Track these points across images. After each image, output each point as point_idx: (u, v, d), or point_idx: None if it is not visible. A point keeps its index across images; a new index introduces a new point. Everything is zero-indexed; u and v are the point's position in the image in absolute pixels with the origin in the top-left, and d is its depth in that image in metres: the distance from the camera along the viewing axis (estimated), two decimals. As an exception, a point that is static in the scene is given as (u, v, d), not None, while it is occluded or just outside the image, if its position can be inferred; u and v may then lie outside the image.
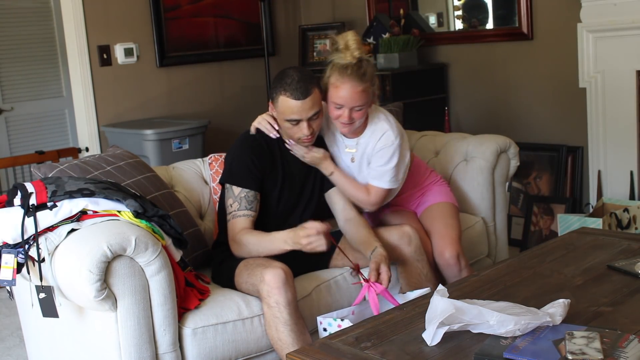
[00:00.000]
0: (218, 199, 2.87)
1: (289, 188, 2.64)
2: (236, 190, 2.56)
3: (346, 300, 2.62)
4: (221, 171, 2.92)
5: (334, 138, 2.77)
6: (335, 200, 2.74)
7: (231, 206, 2.55)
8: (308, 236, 2.35)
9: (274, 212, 2.64)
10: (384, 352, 1.72)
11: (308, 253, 2.54)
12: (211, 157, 3.04)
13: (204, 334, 2.33)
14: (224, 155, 2.98)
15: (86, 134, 4.50)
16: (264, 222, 2.59)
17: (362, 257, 2.62)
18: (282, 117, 2.52)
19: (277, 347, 2.36)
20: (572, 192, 4.13)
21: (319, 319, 2.40)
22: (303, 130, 2.53)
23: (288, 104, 2.48)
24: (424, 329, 1.77)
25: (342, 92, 2.57)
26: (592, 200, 4.01)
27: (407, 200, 3.02)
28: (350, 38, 2.59)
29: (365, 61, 2.61)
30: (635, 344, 1.60)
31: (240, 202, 2.55)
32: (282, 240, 2.44)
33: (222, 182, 2.64)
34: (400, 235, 2.70)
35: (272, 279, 2.31)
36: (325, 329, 2.37)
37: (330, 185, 2.73)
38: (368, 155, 2.74)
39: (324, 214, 2.84)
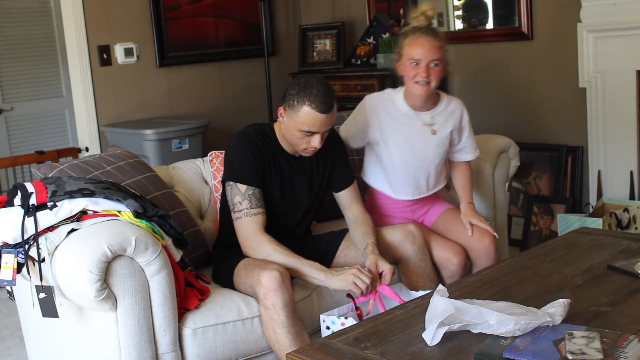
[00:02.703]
0: (220, 197, 2.86)
1: (286, 187, 2.63)
2: (242, 187, 2.52)
3: (346, 301, 2.61)
4: (222, 168, 2.92)
5: (407, 120, 2.83)
6: (342, 200, 2.75)
7: (240, 204, 2.52)
8: (359, 273, 2.37)
9: (271, 211, 2.63)
10: (384, 352, 1.72)
11: (310, 252, 2.55)
12: (211, 154, 3.03)
13: (204, 334, 2.33)
14: (224, 152, 2.98)
15: (86, 134, 4.50)
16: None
17: (362, 255, 2.62)
18: (299, 127, 2.46)
19: (275, 349, 2.36)
20: (572, 192, 4.13)
21: (321, 317, 2.40)
22: (314, 142, 2.49)
23: (311, 116, 2.43)
24: (424, 329, 1.77)
25: (418, 47, 2.69)
26: (592, 200, 4.02)
27: (415, 212, 3.01)
28: (425, 6, 2.79)
29: (436, 26, 2.81)
30: (635, 344, 1.60)
31: (250, 200, 2.51)
32: (314, 274, 2.44)
33: (225, 181, 2.59)
34: (404, 233, 2.71)
35: (268, 281, 2.31)
36: (328, 327, 2.37)
37: (342, 187, 2.73)
38: (456, 127, 2.89)
39: (330, 213, 2.86)
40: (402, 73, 2.78)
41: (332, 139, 2.70)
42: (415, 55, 2.69)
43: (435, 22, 2.84)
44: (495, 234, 2.81)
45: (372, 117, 2.86)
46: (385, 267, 2.47)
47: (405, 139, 2.83)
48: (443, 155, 2.90)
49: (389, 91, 2.93)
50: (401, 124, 2.84)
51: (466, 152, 2.98)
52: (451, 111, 2.89)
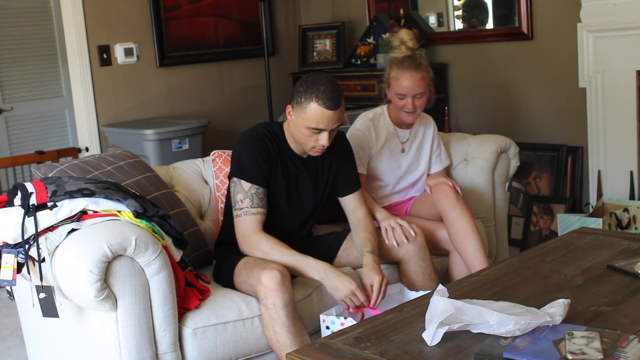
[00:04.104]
0: (225, 196, 2.88)
1: (292, 188, 2.63)
2: (246, 185, 2.52)
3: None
4: (224, 168, 2.93)
5: (392, 137, 3.04)
6: (346, 204, 2.75)
7: (242, 202, 2.52)
8: (352, 295, 2.39)
9: (276, 212, 2.63)
10: (383, 352, 1.72)
11: (312, 252, 2.55)
12: (214, 153, 3.04)
13: (204, 334, 2.33)
14: (227, 152, 2.98)
15: (86, 134, 4.50)
16: (265, 222, 2.58)
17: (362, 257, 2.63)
18: (306, 124, 2.45)
19: (276, 349, 2.36)
20: (572, 192, 4.13)
21: (321, 316, 2.40)
22: (322, 140, 2.48)
23: (319, 113, 2.43)
24: (424, 329, 1.76)
25: (403, 82, 2.88)
26: (592, 200, 4.02)
27: (399, 210, 3.11)
28: (404, 34, 2.95)
29: (418, 53, 2.94)
30: (635, 344, 1.60)
31: (252, 198, 2.51)
32: (313, 268, 2.45)
33: (230, 177, 2.59)
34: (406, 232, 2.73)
35: (268, 281, 2.31)
36: (328, 327, 2.37)
37: (348, 192, 2.74)
38: (427, 141, 3.11)
39: (333, 215, 2.88)
40: (391, 99, 2.99)
41: (339, 143, 2.69)
42: (401, 90, 2.90)
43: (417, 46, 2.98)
44: (452, 185, 2.91)
45: (370, 138, 3.00)
46: (375, 280, 2.46)
47: (394, 157, 3.06)
48: (422, 169, 3.14)
49: (376, 109, 3.10)
50: (392, 147, 3.05)
51: (435, 163, 3.17)
52: (427, 129, 3.14)
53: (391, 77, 2.93)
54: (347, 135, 2.93)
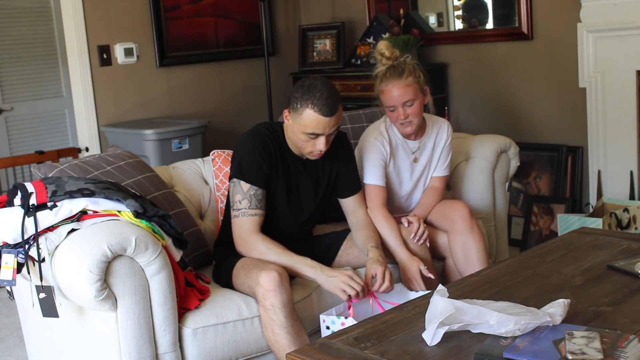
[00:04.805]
0: (224, 196, 2.88)
1: (292, 189, 2.63)
2: (245, 186, 2.52)
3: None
4: (224, 167, 2.93)
5: (402, 149, 2.91)
6: (346, 205, 2.76)
7: (240, 202, 2.52)
8: (349, 279, 2.37)
9: (276, 212, 2.63)
10: (383, 352, 1.72)
11: (312, 252, 2.55)
12: (214, 153, 3.03)
13: (204, 334, 2.33)
14: (226, 151, 2.98)
15: (86, 134, 4.50)
16: (265, 222, 2.58)
17: (364, 255, 2.64)
18: (303, 129, 2.46)
19: (275, 350, 2.36)
20: (572, 192, 4.13)
21: (321, 316, 2.40)
22: (319, 145, 2.48)
23: (314, 119, 2.43)
24: (424, 329, 1.77)
25: (389, 93, 2.76)
26: (592, 200, 4.02)
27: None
28: (380, 46, 2.82)
29: (401, 60, 2.80)
30: (635, 344, 1.60)
31: (250, 200, 2.51)
32: (309, 267, 2.44)
33: (230, 177, 2.58)
34: (405, 233, 2.73)
35: (267, 282, 2.31)
36: (328, 327, 2.37)
37: (348, 194, 2.74)
38: (438, 150, 2.95)
39: (333, 215, 2.88)
40: (386, 114, 2.87)
41: (340, 144, 2.69)
42: (389, 102, 2.78)
43: (397, 55, 2.83)
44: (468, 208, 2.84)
45: (385, 151, 2.88)
46: (378, 270, 2.46)
47: (404, 167, 2.93)
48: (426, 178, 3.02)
49: (386, 121, 2.92)
50: (404, 160, 2.93)
51: (437, 169, 3.00)
52: (439, 136, 2.97)
53: (379, 92, 2.82)
54: (361, 147, 2.89)
